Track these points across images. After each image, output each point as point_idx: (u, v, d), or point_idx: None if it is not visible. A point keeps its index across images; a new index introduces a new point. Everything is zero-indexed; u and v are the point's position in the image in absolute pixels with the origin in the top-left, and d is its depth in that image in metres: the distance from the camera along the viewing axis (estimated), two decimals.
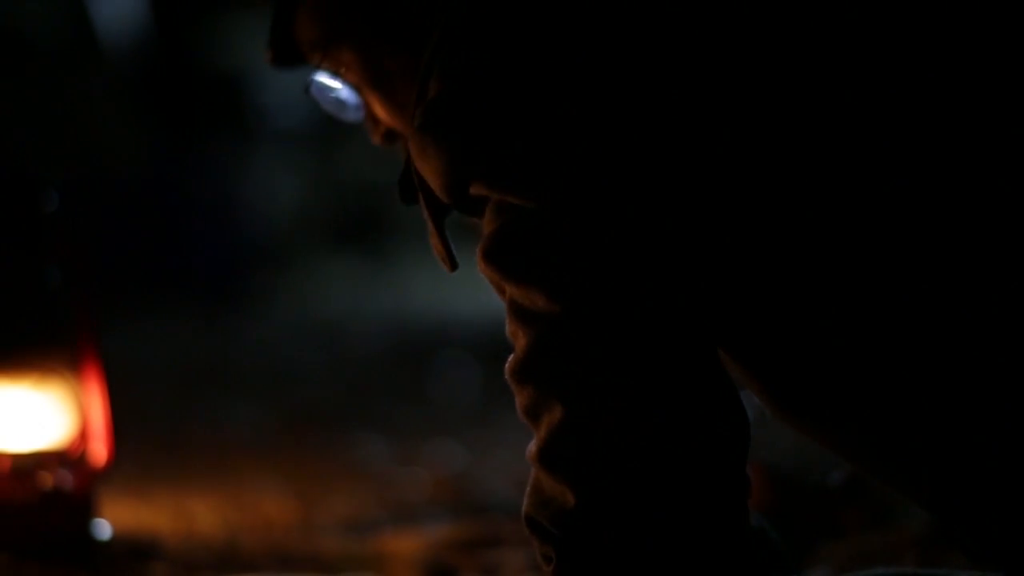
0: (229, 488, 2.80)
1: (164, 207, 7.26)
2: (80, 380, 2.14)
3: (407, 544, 2.28)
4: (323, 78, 1.59)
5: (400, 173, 1.42)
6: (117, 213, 6.87)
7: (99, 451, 2.15)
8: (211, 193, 7.45)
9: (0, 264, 2.13)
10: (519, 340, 1.33)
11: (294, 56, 1.62)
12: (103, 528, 2.14)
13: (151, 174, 7.49)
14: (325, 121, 5.38)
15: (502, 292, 1.35)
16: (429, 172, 1.34)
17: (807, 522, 2.07)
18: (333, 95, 1.61)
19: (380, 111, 1.59)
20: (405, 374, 4.56)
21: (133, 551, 2.14)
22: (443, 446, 3.31)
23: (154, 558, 2.12)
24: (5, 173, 2.16)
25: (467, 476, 2.99)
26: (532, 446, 1.35)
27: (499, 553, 2.20)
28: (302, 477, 2.95)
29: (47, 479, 2.10)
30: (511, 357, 1.35)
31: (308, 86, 1.60)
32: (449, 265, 1.43)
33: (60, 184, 2.18)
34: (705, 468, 1.32)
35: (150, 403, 3.85)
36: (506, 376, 1.36)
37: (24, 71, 7.31)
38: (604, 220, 1.30)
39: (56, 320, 2.15)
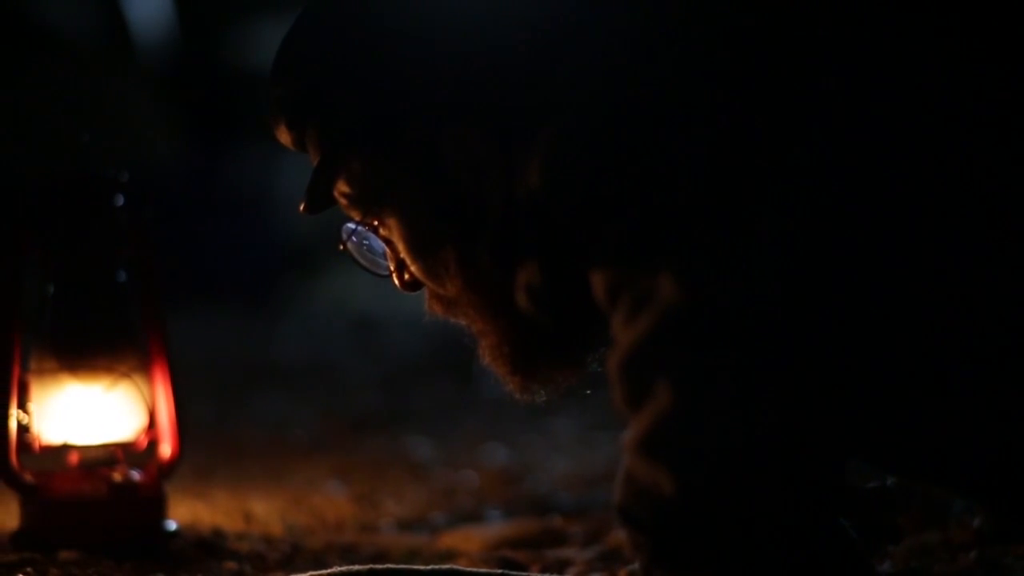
0: (286, 488, 2.81)
1: (198, 208, 7.28)
2: (148, 377, 2.15)
3: (471, 542, 2.30)
4: (360, 229, 1.62)
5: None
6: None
7: (167, 447, 2.16)
8: (245, 194, 7.46)
9: (73, 264, 2.15)
10: (632, 328, 1.35)
11: (329, 204, 1.64)
12: (171, 525, 2.15)
13: (184, 175, 7.51)
14: None
15: (616, 292, 1.37)
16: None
17: (866, 526, 2.08)
18: (367, 243, 1.64)
19: (415, 270, 1.60)
20: (449, 376, 4.56)
21: (201, 547, 2.16)
22: (492, 448, 3.32)
23: (223, 554, 2.13)
24: (75, 172, 2.16)
25: (518, 478, 2.99)
26: (629, 434, 1.36)
27: (563, 551, 2.21)
28: (357, 478, 2.96)
29: (117, 474, 2.12)
30: (616, 347, 1.37)
31: (345, 240, 1.62)
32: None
33: (127, 183, 2.18)
34: (807, 467, 1.34)
35: (201, 404, 3.86)
36: (608, 366, 1.38)
37: (59, 72, 7.34)
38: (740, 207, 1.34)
39: (126, 318, 2.17)
